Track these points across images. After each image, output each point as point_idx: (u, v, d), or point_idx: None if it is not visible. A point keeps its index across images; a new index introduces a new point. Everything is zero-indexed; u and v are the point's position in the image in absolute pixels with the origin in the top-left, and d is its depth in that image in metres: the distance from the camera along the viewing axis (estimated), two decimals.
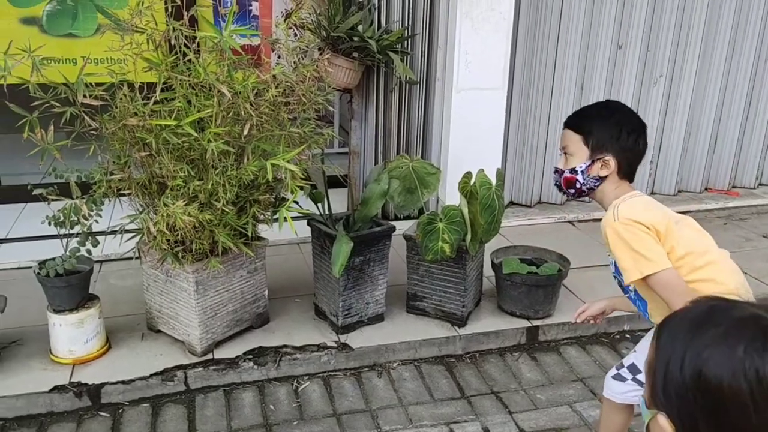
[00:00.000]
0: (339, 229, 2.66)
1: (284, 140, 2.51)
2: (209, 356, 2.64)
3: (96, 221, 2.53)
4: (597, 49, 4.18)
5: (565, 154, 1.81)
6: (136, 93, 2.39)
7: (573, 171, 1.77)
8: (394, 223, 3.12)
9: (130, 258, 2.69)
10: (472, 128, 3.82)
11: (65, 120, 2.27)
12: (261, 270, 2.79)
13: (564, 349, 2.95)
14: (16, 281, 3.19)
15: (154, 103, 2.31)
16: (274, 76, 2.44)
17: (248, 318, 2.80)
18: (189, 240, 2.44)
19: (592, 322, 2.01)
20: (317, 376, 2.71)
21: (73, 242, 2.55)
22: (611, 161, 1.72)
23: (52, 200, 2.46)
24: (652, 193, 4.65)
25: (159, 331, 2.79)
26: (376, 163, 3.98)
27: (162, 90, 2.34)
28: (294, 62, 2.68)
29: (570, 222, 4.23)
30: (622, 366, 1.92)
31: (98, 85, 2.33)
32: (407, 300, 3.00)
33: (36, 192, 2.48)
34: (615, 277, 1.81)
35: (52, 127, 2.30)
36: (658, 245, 1.62)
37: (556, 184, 1.85)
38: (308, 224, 2.86)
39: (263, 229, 2.72)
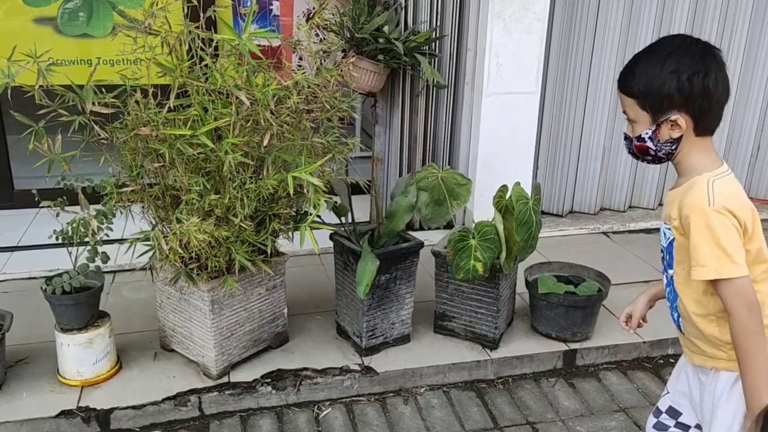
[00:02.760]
0: (364, 245, 2.48)
1: (306, 150, 2.35)
2: (225, 379, 2.48)
3: (107, 235, 2.38)
4: (636, 52, 3.95)
5: (628, 119, 1.52)
6: (149, 99, 2.24)
7: (640, 139, 1.48)
8: (419, 233, 2.95)
9: (145, 269, 2.54)
10: (502, 134, 3.62)
11: (74, 129, 2.12)
12: (280, 287, 2.63)
13: (604, 374, 2.75)
14: (26, 293, 3.06)
15: (168, 110, 2.16)
16: (296, 82, 2.27)
17: (266, 338, 2.64)
18: (204, 257, 2.29)
19: (644, 325, 1.79)
20: (339, 402, 2.54)
21: (82, 257, 2.40)
22: (680, 119, 1.42)
23: (60, 213, 2.32)
24: None
25: (172, 350, 2.64)
26: (400, 170, 3.81)
27: (176, 96, 2.17)
28: (317, 66, 2.50)
29: (604, 233, 4.01)
30: (660, 412, 1.71)
31: (109, 90, 2.18)
32: (435, 319, 2.82)
33: (44, 204, 2.34)
34: (664, 254, 1.57)
35: (59, 137, 2.15)
36: (742, 246, 1.39)
37: (630, 152, 1.55)
38: (331, 238, 2.69)
39: (282, 244, 2.55)
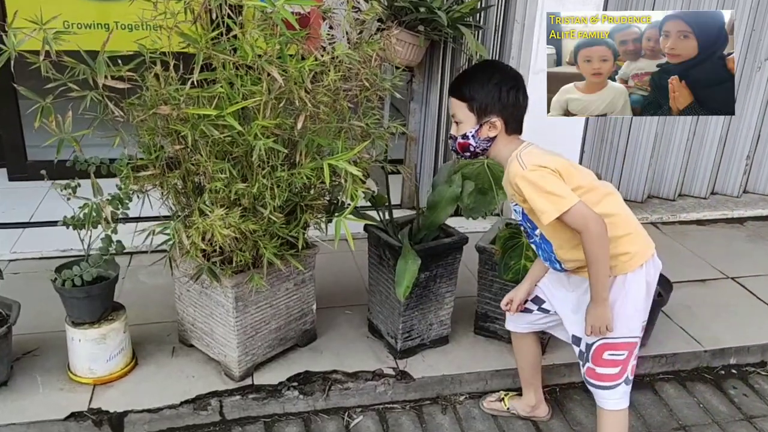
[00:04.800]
0: (404, 241, 2.25)
1: (344, 134, 2.10)
2: (248, 381, 2.28)
3: (121, 221, 2.17)
4: None
5: (455, 122, 1.86)
6: (170, 73, 1.99)
7: (465, 137, 1.85)
8: (453, 220, 2.69)
9: (164, 251, 2.31)
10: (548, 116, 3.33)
11: (85, 107, 1.89)
12: (309, 281, 2.41)
13: (660, 386, 2.51)
14: (38, 275, 2.87)
15: (191, 86, 1.91)
16: (334, 57, 2.01)
17: (293, 336, 2.43)
18: (229, 250, 2.06)
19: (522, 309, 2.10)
20: (371, 409, 2.33)
21: (96, 244, 2.19)
22: (497, 122, 1.81)
23: (71, 198, 2.11)
24: (745, 191, 4.12)
25: (192, 346, 2.44)
26: (435, 150, 3.55)
27: (200, 70, 1.92)
28: (356, 38, 2.24)
29: (653, 224, 3.74)
30: (527, 300, 2.10)
31: (125, 62, 1.93)
32: (476, 320, 2.59)
33: (55, 186, 2.13)
34: (521, 224, 1.93)
35: (69, 113, 1.91)
36: (564, 184, 1.72)
37: (452, 149, 1.92)
38: (365, 230, 2.45)
39: (310, 232, 2.31)
